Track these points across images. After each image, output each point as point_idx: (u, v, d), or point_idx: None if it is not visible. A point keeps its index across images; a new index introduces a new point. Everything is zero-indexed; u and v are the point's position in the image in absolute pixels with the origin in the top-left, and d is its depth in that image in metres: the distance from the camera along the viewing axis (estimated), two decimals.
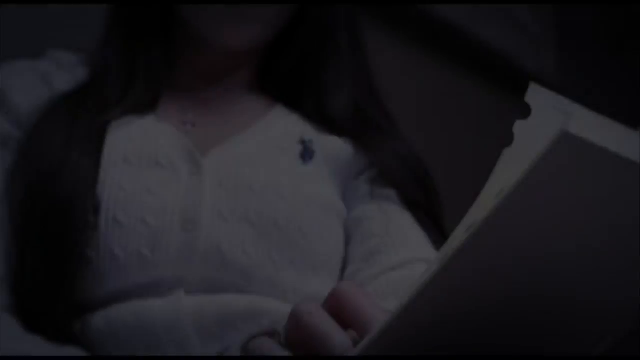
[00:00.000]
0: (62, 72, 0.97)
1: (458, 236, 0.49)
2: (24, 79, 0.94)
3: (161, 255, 0.81)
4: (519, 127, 0.51)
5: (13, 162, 0.87)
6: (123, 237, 0.81)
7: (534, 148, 0.46)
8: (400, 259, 0.87)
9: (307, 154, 0.93)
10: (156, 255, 0.81)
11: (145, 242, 0.81)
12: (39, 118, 0.89)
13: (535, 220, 0.46)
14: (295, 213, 0.86)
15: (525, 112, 0.51)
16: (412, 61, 1.95)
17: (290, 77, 1.02)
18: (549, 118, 0.49)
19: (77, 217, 0.81)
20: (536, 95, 0.52)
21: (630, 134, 0.44)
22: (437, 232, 0.93)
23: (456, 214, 0.94)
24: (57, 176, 0.83)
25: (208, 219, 0.83)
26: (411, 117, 1.69)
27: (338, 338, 0.47)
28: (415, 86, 1.91)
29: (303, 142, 0.94)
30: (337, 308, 0.50)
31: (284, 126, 0.96)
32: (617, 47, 2.62)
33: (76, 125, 0.87)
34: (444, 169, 1.19)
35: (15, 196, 0.85)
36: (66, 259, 0.81)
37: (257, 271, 0.83)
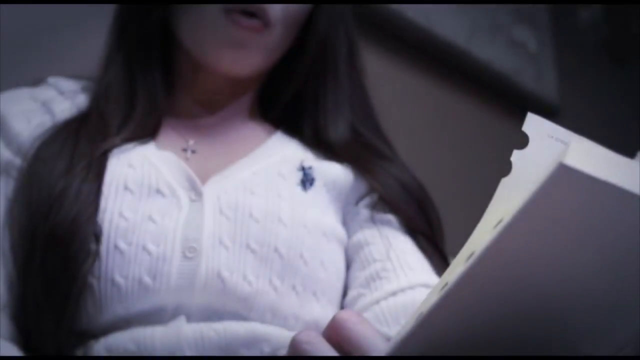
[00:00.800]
0: (62, 99, 0.97)
1: (458, 265, 0.50)
2: (24, 107, 0.94)
3: (162, 283, 0.81)
4: (517, 157, 0.51)
5: (14, 190, 0.87)
6: (124, 265, 0.82)
7: (532, 178, 0.46)
8: (401, 284, 0.87)
9: (307, 180, 0.93)
10: (157, 283, 0.81)
11: (146, 270, 0.82)
12: (39, 146, 0.89)
13: (533, 249, 0.47)
14: (296, 240, 0.87)
15: (523, 140, 0.51)
16: (412, 81, 1.95)
17: (290, 103, 1.03)
18: (547, 147, 0.50)
19: (78, 245, 0.81)
20: (533, 125, 0.53)
21: (627, 164, 0.44)
22: (438, 257, 0.93)
23: (456, 238, 0.95)
24: (59, 204, 0.83)
25: (209, 247, 0.83)
26: (411, 137, 1.70)
27: None
28: (415, 106, 1.91)
29: (303, 169, 0.94)
30: (337, 336, 0.50)
31: (283, 153, 0.97)
32: (617, 65, 2.63)
33: (77, 153, 0.87)
34: (443, 192, 1.19)
35: (17, 224, 0.85)
36: (68, 286, 0.81)
37: (258, 298, 0.84)
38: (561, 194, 0.43)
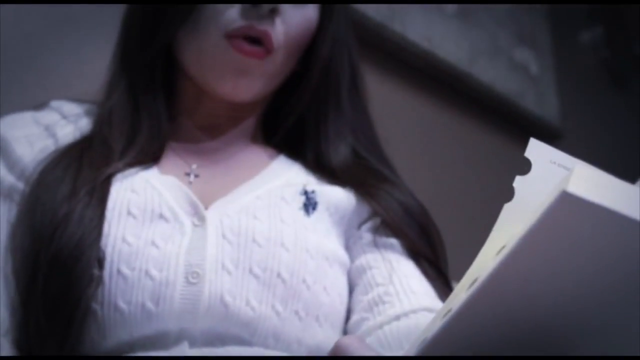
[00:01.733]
0: (66, 123, 0.97)
1: (461, 291, 0.50)
2: (27, 131, 0.94)
3: (165, 308, 0.81)
4: (519, 182, 0.52)
5: (16, 215, 0.87)
6: (127, 290, 0.81)
7: (534, 204, 0.46)
8: (404, 309, 0.87)
9: (309, 204, 0.94)
10: (160, 308, 0.81)
11: (149, 295, 0.81)
12: (42, 170, 0.89)
13: (536, 274, 0.47)
14: (298, 265, 0.86)
15: (525, 166, 0.51)
16: (414, 103, 1.96)
17: (292, 127, 1.03)
18: (549, 173, 0.50)
19: (81, 270, 0.81)
20: (536, 150, 0.53)
21: (628, 190, 0.45)
22: (441, 281, 0.93)
23: (459, 261, 0.95)
24: (62, 229, 0.83)
25: (212, 272, 0.83)
26: (413, 159, 1.70)
27: None
28: (417, 129, 1.92)
29: (305, 193, 0.95)
30: None
31: (286, 177, 0.97)
32: (618, 87, 2.63)
33: (80, 177, 0.87)
34: (446, 214, 1.19)
35: (19, 249, 0.85)
36: (71, 312, 0.81)
37: (261, 323, 0.83)
38: (563, 221, 0.43)
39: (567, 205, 0.42)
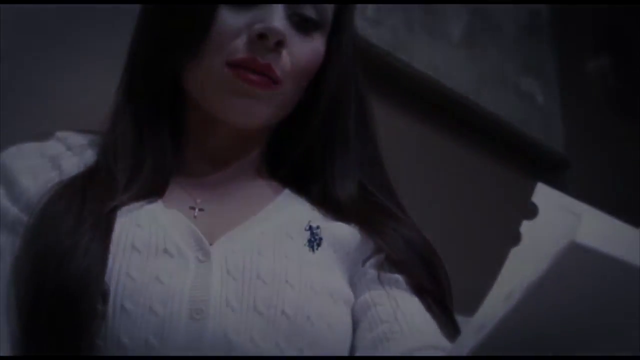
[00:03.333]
0: (71, 155, 0.96)
1: (469, 337, 0.50)
2: (32, 162, 0.94)
3: (169, 344, 0.81)
4: (527, 228, 0.52)
5: (20, 247, 0.87)
6: (131, 326, 0.81)
7: (541, 250, 0.46)
8: (409, 347, 0.86)
9: (314, 241, 0.93)
10: (164, 344, 0.81)
11: (153, 331, 0.81)
12: (47, 202, 0.88)
13: (543, 318, 0.48)
14: (303, 302, 0.86)
15: (532, 211, 0.51)
16: (421, 132, 1.96)
17: (298, 161, 1.03)
18: (557, 219, 0.50)
19: (86, 304, 0.80)
20: (543, 195, 0.53)
21: (635, 236, 0.45)
22: (447, 318, 0.92)
23: (465, 296, 0.94)
24: (66, 262, 0.82)
25: (216, 308, 0.83)
26: (419, 189, 1.70)
27: None
28: (423, 157, 1.92)
29: (310, 229, 0.94)
30: None
31: (291, 212, 0.97)
32: (624, 117, 2.63)
33: (85, 210, 0.87)
34: (451, 246, 1.18)
35: (23, 282, 0.84)
36: (74, 347, 0.80)
37: None
38: (571, 269, 0.44)
39: (575, 255, 0.42)
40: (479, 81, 2.12)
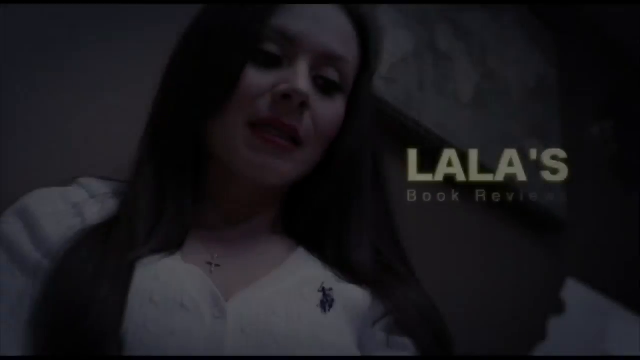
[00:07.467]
0: (93, 203, 0.98)
1: None
2: (55, 208, 0.95)
3: None
4: (554, 325, 0.53)
5: (40, 293, 0.88)
6: None
7: (569, 349, 0.47)
8: None
9: (326, 302, 0.94)
10: None
11: None
12: (68, 250, 0.90)
13: None
14: None
15: (561, 306, 0.52)
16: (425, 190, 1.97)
17: (313, 221, 1.04)
18: (585, 318, 0.51)
19: (102, 356, 0.81)
20: (573, 292, 0.54)
21: None
22: None
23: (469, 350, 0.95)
24: (84, 313, 0.83)
25: None
26: (425, 248, 1.70)
27: None
28: (427, 216, 1.93)
29: (323, 290, 0.95)
30: None
31: (305, 272, 0.98)
32: (626, 182, 2.65)
33: (104, 261, 0.88)
34: (457, 312, 1.19)
35: (41, 329, 0.85)
36: None
37: None
38: None
39: None
40: (484, 141, 2.14)
